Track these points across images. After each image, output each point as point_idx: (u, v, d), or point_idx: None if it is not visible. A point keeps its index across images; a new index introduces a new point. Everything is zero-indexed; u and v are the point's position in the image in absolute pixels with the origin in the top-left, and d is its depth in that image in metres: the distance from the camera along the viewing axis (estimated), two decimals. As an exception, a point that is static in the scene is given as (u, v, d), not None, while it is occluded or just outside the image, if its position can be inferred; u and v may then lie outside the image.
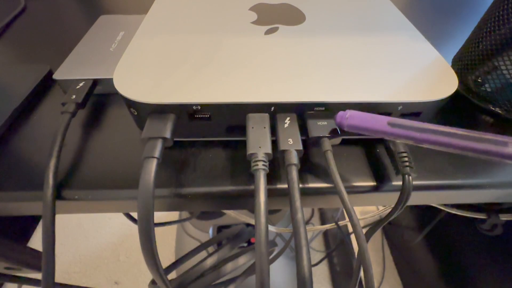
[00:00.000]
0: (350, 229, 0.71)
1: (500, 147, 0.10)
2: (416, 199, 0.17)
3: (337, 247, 0.81)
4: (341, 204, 0.17)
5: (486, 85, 0.21)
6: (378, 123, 0.13)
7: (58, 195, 0.16)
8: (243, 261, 0.20)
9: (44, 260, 0.15)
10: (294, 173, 0.13)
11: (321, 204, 0.17)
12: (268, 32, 0.20)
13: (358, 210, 1.03)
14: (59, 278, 0.84)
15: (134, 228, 0.95)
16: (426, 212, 0.67)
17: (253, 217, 0.35)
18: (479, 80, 0.21)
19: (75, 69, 0.21)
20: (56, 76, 0.20)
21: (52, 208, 0.15)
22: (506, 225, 0.37)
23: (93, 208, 0.17)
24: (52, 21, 0.31)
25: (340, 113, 0.14)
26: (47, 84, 0.22)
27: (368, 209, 0.95)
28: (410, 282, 0.79)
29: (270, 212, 0.69)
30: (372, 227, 0.16)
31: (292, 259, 0.73)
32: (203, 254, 0.23)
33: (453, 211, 0.35)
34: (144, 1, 0.35)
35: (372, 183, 0.16)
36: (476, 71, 0.21)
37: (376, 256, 0.90)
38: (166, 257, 0.88)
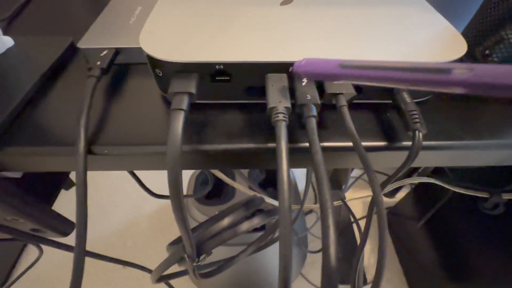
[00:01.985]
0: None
1: (444, 75, 0.09)
2: (424, 159, 0.18)
3: (340, 233, 0.83)
4: (354, 162, 0.18)
5: (494, 56, 0.21)
6: (330, 66, 0.13)
7: (88, 150, 0.17)
8: (258, 221, 0.21)
9: (78, 211, 0.16)
10: (313, 123, 0.14)
11: (335, 162, 0.18)
12: (283, 3, 0.21)
13: (360, 201, 1.04)
14: (68, 262, 0.86)
15: (140, 215, 0.97)
16: (427, 198, 0.68)
17: (261, 193, 0.36)
18: (486, 52, 0.22)
19: (97, 38, 0.22)
20: (81, 45, 0.21)
21: (84, 161, 0.16)
22: (508, 205, 0.38)
23: (122, 164, 0.18)
24: (69, -1, 0.32)
25: (297, 62, 0.15)
26: (69, 53, 0.23)
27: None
28: (411, 269, 0.81)
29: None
30: (386, 180, 0.17)
31: (294, 243, 0.74)
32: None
33: (457, 189, 0.37)
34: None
35: (382, 143, 0.17)
36: (483, 43, 0.22)
37: (377, 244, 0.91)
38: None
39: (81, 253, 0.17)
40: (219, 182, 0.74)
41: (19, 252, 0.87)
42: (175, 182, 0.14)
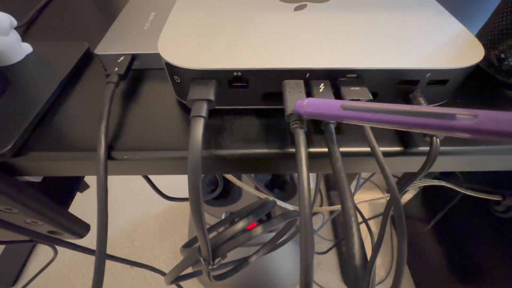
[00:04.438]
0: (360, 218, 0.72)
1: (447, 120, 0.09)
2: (441, 164, 0.18)
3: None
4: (370, 167, 0.18)
5: (509, 60, 0.21)
6: (332, 107, 0.13)
7: (109, 155, 0.17)
8: (274, 223, 0.21)
9: (99, 215, 0.17)
10: (331, 130, 0.14)
11: (351, 167, 0.18)
12: (297, 8, 0.21)
13: (365, 203, 1.04)
14: (78, 261, 0.87)
15: (147, 215, 0.98)
16: (436, 199, 0.68)
17: (269, 195, 0.37)
18: (502, 56, 0.22)
19: (114, 45, 0.22)
20: (98, 51, 0.22)
21: (105, 167, 0.16)
22: (521, 207, 0.38)
23: (141, 168, 0.18)
24: (84, 3, 0.32)
25: (299, 101, 0.15)
26: (86, 59, 0.24)
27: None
28: (419, 271, 0.80)
29: (287, 197, 0.70)
30: (401, 185, 0.17)
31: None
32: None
33: (468, 192, 0.36)
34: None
35: (399, 148, 0.17)
36: (499, 46, 0.22)
37: (385, 246, 0.91)
38: (178, 242, 0.91)
39: (102, 256, 0.17)
40: (226, 183, 0.74)
41: (28, 252, 0.88)
42: (195, 187, 0.14)
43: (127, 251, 0.89)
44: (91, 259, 0.88)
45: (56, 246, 0.31)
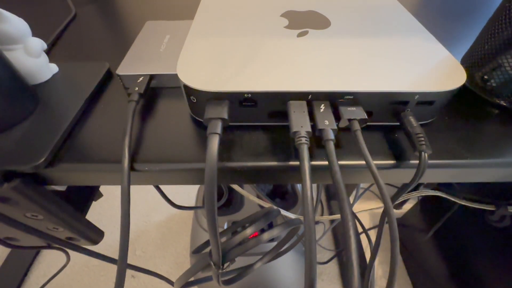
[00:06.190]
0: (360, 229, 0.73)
1: None
2: (430, 176, 0.20)
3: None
4: (367, 178, 0.20)
5: (492, 81, 0.23)
6: None
7: (131, 167, 0.19)
8: (277, 232, 0.23)
9: (122, 220, 0.19)
10: (331, 146, 0.16)
11: (349, 178, 0.20)
12: (300, 34, 0.23)
13: (366, 214, 1.05)
14: (79, 270, 0.88)
15: (149, 224, 0.98)
16: (434, 210, 0.69)
17: (272, 204, 0.38)
18: (485, 77, 0.24)
19: (134, 66, 0.25)
20: (119, 71, 0.24)
21: (128, 177, 0.18)
22: (514, 217, 0.39)
23: (159, 179, 0.20)
24: (101, 26, 0.35)
25: None
26: (106, 78, 0.26)
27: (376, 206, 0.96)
28: (419, 280, 0.80)
29: (288, 206, 0.71)
30: (395, 194, 0.19)
31: (304, 254, 0.75)
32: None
33: (463, 202, 0.38)
34: (181, 9, 0.39)
35: (392, 161, 0.19)
36: (482, 69, 0.24)
37: (385, 256, 0.91)
38: (180, 252, 0.91)
39: (124, 260, 0.19)
40: (229, 193, 0.76)
41: (30, 261, 0.89)
42: (211, 196, 0.16)
43: (129, 260, 0.88)
44: (92, 269, 0.88)
45: (69, 251, 0.32)
